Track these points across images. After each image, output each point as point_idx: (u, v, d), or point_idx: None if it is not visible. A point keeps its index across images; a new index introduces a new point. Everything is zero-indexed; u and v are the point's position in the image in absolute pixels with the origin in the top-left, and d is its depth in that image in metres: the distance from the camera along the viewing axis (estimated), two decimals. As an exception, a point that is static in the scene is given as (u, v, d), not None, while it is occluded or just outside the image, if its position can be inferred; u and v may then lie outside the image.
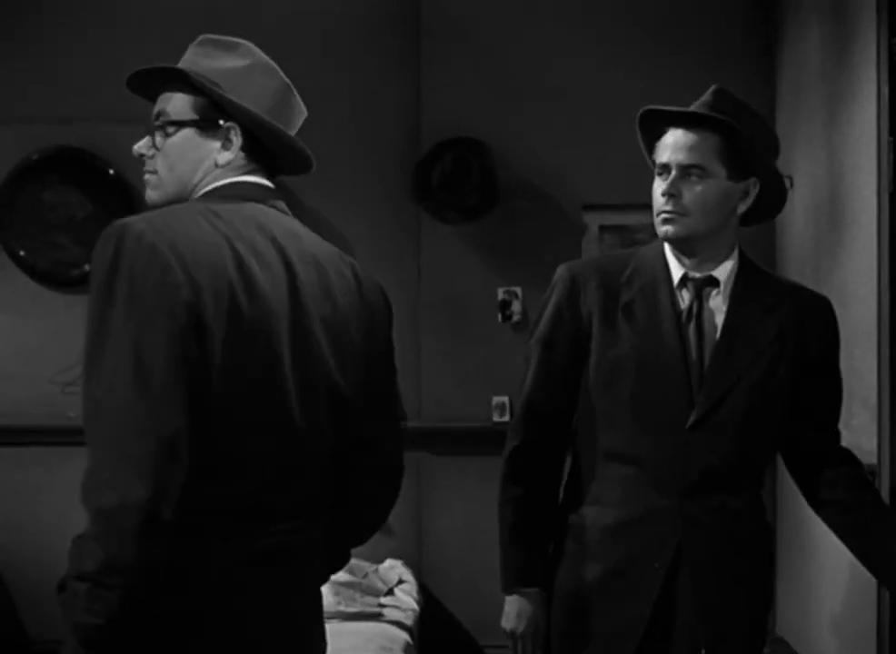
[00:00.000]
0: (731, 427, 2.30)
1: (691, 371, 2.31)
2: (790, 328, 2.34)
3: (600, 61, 4.17)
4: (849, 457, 2.42)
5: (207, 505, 1.69)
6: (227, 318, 1.69)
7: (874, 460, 3.14)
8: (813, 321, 2.39)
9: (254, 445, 1.74)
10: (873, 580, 2.75)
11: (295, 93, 1.93)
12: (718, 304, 2.34)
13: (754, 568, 2.37)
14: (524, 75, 4.15)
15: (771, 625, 4.07)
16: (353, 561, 4.00)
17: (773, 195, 2.39)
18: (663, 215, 2.31)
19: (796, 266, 3.93)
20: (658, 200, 2.32)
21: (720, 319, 2.33)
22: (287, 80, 1.92)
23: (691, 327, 2.32)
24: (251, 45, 1.89)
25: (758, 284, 2.38)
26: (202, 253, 1.69)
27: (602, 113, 4.13)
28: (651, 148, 2.37)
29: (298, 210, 3.67)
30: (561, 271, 2.41)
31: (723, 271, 2.35)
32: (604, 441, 2.34)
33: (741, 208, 2.34)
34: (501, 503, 2.40)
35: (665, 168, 2.31)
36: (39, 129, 4.19)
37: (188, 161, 1.83)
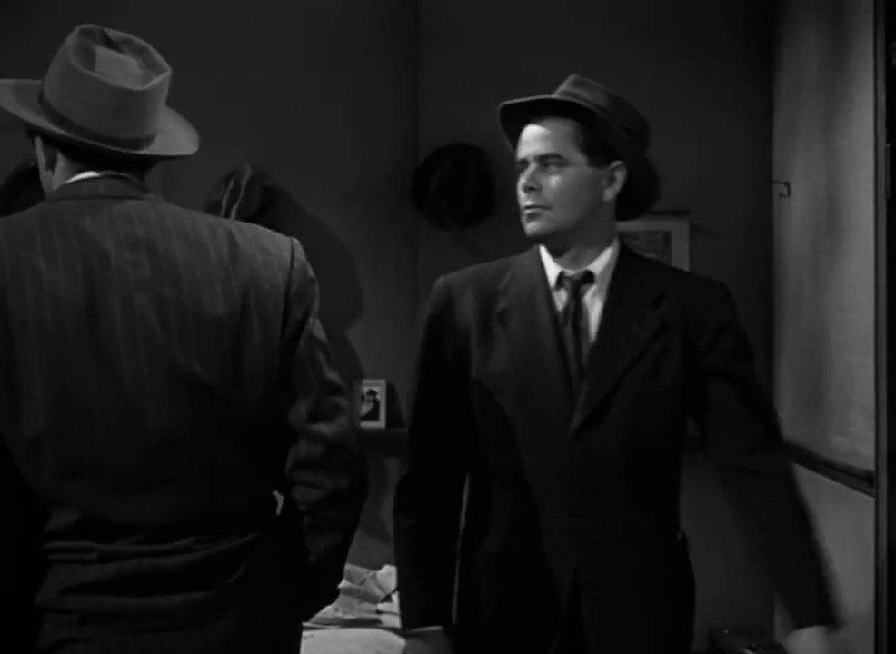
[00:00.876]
0: (618, 435, 2.15)
1: (571, 377, 2.16)
2: (674, 321, 2.19)
3: (598, 66, 4.15)
4: (771, 478, 2.21)
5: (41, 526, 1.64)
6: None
7: (872, 467, 3.13)
8: (702, 312, 2.22)
9: (71, 459, 1.64)
10: (872, 588, 2.75)
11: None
12: (595, 302, 2.21)
13: (667, 591, 2.21)
14: (522, 81, 4.14)
15: (768, 626, 4.07)
16: (350, 567, 4.02)
17: (644, 182, 2.26)
18: (527, 211, 2.20)
19: (794, 273, 3.93)
20: (520, 196, 2.21)
21: (596, 317, 2.20)
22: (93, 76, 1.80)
23: (569, 329, 2.18)
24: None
25: (640, 276, 2.24)
26: None
27: (600, 119, 4.12)
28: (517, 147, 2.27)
29: (295, 216, 3.66)
30: (436, 284, 2.29)
31: (599, 264, 2.22)
32: (493, 461, 2.20)
33: (609, 194, 2.21)
34: (395, 537, 2.24)
35: (524, 163, 2.21)
36: (37, 135, 4.19)
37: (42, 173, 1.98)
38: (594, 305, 2.21)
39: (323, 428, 1.78)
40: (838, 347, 3.46)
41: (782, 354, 4.05)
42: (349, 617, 3.82)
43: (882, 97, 3.09)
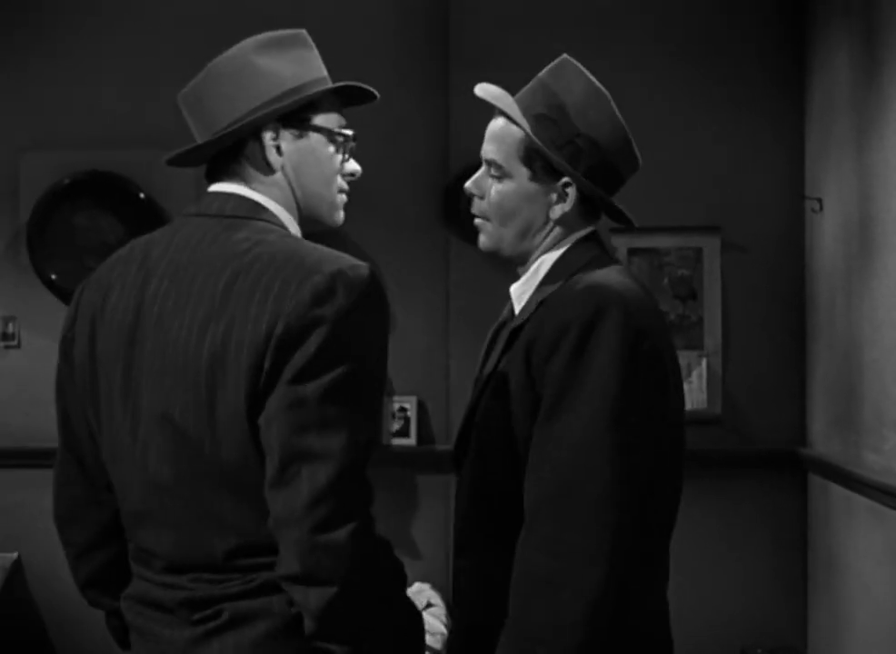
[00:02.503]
0: (466, 475, 2.00)
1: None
2: (526, 350, 1.91)
3: (626, 86, 4.16)
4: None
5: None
6: (83, 352, 1.75)
7: (906, 485, 3.11)
8: (542, 331, 1.88)
9: (116, 482, 1.75)
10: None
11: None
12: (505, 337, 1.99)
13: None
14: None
15: (801, 647, 4.04)
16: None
17: (599, 201, 2.03)
18: (475, 221, 2.05)
19: (826, 289, 3.91)
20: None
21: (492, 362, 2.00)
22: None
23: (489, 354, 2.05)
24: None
25: (548, 301, 1.94)
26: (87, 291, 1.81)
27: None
28: None
29: (325, 233, 3.68)
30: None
31: (516, 291, 2.02)
32: None
33: (559, 212, 1.98)
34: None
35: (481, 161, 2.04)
36: (71, 154, 4.23)
37: None
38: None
39: (275, 498, 1.55)
40: (871, 364, 3.44)
41: (815, 371, 4.03)
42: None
43: (915, 113, 3.08)
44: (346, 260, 1.61)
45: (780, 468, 4.09)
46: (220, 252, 1.64)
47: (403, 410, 4.20)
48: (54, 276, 4.19)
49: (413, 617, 1.68)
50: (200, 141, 1.76)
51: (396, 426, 4.19)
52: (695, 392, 4.10)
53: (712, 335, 4.12)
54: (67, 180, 4.25)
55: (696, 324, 4.13)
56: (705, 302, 4.13)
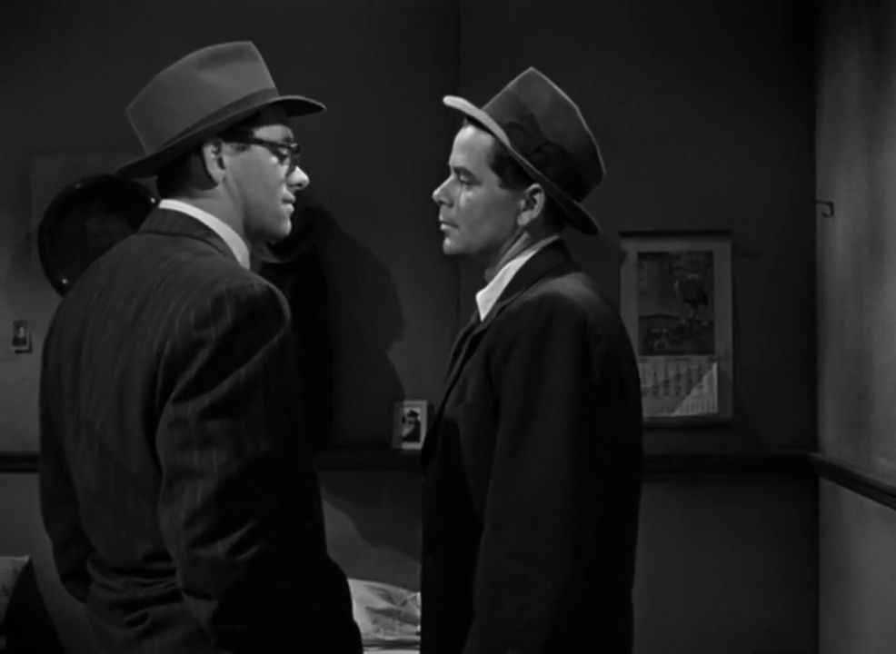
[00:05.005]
0: (432, 476, 2.07)
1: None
2: (486, 356, 1.97)
3: (637, 90, 4.17)
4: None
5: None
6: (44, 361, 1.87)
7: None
8: (502, 339, 1.94)
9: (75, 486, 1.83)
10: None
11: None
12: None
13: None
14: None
15: (812, 652, 4.03)
16: (391, 589, 4.02)
17: (568, 208, 2.08)
18: (441, 227, 2.11)
19: (837, 293, 3.90)
20: None
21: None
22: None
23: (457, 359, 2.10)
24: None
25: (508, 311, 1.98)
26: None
27: (640, 139, 4.13)
28: None
29: (336, 237, 3.66)
30: None
31: (482, 298, 2.08)
32: None
33: (526, 218, 2.04)
34: None
35: (450, 170, 2.10)
36: (82, 158, 4.24)
37: None
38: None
39: (162, 514, 1.60)
40: (882, 369, 3.43)
41: (826, 376, 4.02)
42: (390, 638, 3.81)
43: (926, 117, 3.07)
44: (242, 279, 1.63)
45: (790, 472, 4.08)
46: (143, 270, 1.71)
47: (413, 414, 4.20)
48: (65, 281, 4.21)
49: (341, 627, 1.75)
50: (147, 154, 1.82)
51: (406, 430, 4.20)
52: (706, 397, 4.10)
53: (723, 339, 4.12)
54: (78, 185, 4.26)
55: (706, 329, 4.13)
56: (715, 307, 4.13)
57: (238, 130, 1.78)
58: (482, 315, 2.09)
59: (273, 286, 1.66)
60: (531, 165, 2.02)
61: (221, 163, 1.78)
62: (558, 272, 2.03)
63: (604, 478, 1.92)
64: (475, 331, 2.06)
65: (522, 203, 2.04)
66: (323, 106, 1.91)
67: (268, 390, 1.60)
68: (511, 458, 1.88)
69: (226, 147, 1.78)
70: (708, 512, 4.07)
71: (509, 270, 2.06)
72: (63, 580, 1.95)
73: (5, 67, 4.34)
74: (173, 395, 1.59)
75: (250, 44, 1.87)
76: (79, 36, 4.31)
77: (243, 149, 1.79)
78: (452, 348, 2.17)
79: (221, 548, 1.54)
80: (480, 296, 2.11)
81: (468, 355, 2.03)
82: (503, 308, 2.00)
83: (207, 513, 1.55)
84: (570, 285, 1.98)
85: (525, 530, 1.85)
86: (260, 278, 1.66)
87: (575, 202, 2.08)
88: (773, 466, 4.09)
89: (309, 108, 1.90)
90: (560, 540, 1.84)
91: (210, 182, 1.78)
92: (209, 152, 1.77)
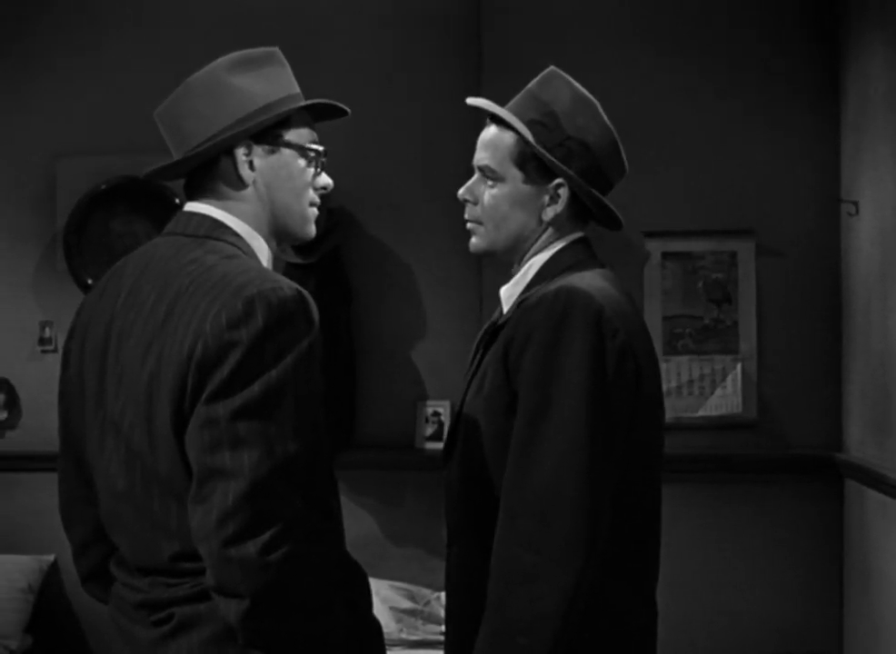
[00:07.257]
0: (454, 469, 2.08)
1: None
2: (504, 348, 1.99)
3: (660, 89, 4.16)
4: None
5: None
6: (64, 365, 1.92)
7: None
8: (519, 332, 1.96)
9: (96, 488, 1.84)
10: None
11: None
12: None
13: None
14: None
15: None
16: (414, 589, 4.03)
17: (592, 203, 2.10)
18: (467, 225, 2.13)
19: (862, 292, 3.88)
20: None
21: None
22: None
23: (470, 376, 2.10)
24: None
25: (528, 304, 2.00)
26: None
27: (664, 139, 4.12)
28: None
29: (360, 237, 3.66)
30: None
31: (506, 293, 2.10)
32: None
33: (551, 214, 2.06)
34: None
35: (474, 169, 2.13)
36: (107, 159, 4.27)
37: None
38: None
39: (192, 514, 1.62)
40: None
41: (851, 375, 4.00)
42: (414, 638, 3.82)
43: (952, 115, 3.05)
44: (272, 282, 1.65)
45: (815, 473, 4.06)
46: (171, 271, 1.72)
47: (436, 414, 4.20)
48: (90, 281, 4.23)
49: (365, 625, 1.77)
50: (175, 157, 1.83)
51: (430, 430, 4.20)
52: (730, 397, 4.09)
53: (747, 339, 4.10)
54: (104, 186, 4.28)
55: (731, 328, 4.11)
56: (740, 306, 4.11)
57: (268, 133, 1.80)
58: (505, 309, 2.11)
59: (302, 289, 1.67)
60: (554, 159, 2.04)
61: (251, 166, 1.80)
62: (581, 267, 2.04)
63: (618, 471, 1.92)
64: (496, 325, 2.08)
65: (547, 198, 2.06)
66: (349, 110, 1.93)
67: (297, 392, 1.62)
68: (525, 450, 1.89)
69: (257, 150, 1.80)
70: (732, 513, 4.06)
71: (533, 265, 2.08)
72: (83, 582, 1.97)
73: (32, 69, 4.37)
74: (204, 396, 1.60)
75: (276, 49, 1.89)
76: (106, 39, 4.33)
77: (273, 152, 1.81)
78: (476, 342, 2.19)
79: (252, 547, 1.56)
80: (503, 291, 2.13)
81: (488, 348, 2.06)
82: (523, 301, 2.02)
83: (239, 513, 1.56)
84: (588, 279, 1.99)
85: (538, 522, 1.86)
86: (290, 281, 1.67)
87: (598, 194, 2.09)
88: (798, 466, 4.08)
89: (335, 112, 1.92)
90: (572, 533, 1.85)
91: (241, 184, 1.80)
92: (240, 154, 1.79)
